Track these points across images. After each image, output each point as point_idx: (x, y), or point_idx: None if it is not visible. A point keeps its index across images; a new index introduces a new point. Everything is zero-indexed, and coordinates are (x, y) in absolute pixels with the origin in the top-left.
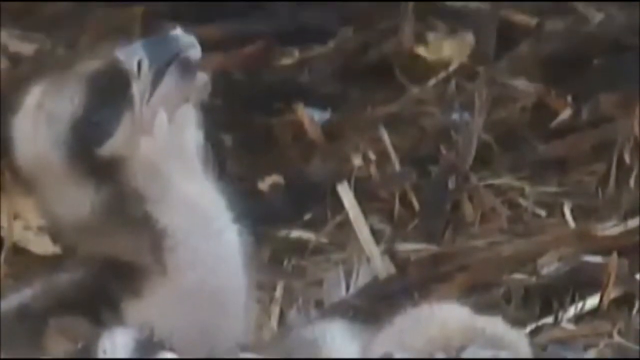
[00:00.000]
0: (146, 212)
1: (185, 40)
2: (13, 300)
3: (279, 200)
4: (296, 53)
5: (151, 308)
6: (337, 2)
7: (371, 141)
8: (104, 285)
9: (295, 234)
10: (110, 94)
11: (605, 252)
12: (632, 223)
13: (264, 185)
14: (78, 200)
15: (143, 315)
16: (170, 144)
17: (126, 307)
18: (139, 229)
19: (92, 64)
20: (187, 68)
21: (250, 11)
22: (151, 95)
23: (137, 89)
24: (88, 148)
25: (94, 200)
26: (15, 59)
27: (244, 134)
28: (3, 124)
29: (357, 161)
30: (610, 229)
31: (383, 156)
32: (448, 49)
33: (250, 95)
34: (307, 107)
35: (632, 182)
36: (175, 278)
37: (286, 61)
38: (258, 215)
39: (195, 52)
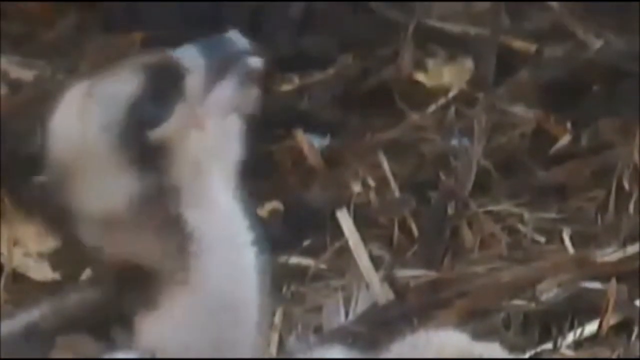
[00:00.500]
0: (179, 212)
1: (241, 42)
2: (21, 319)
3: (278, 226)
4: (296, 79)
5: (167, 320)
6: (336, 28)
7: (370, 167)
8: (116, 300)
9: (295, 260)
10: (165, 84)
11: (605, 279)
12: (632, 249)
13: (263, 211)
14: (117, 192)
15: (157, 328)
16: (217, 146)
17: (140, 321)
18: (169, 229)
19: (147, 58)
20: (247, 77)
21: (250, 37)
22: (207, 91)
23: (191, 84)
24: (141, 131)
25: (133, 192)
26: (16, 86)
27: (244, 160)
28: (3, 147)
29: (356, 187)
30: (609, 255)
31: (382, 182)
32: (447, 75)
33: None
34: (307, 133)
35: (631, 208)
36: (196, 286)
37: (286, 87)
38: (256, 242)
39: (256, 62)
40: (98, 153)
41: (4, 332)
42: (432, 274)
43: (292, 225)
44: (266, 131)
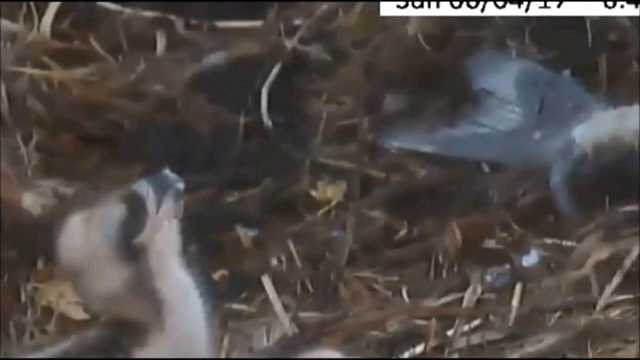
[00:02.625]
0: (154, 285)
1: (172, 177)
2: (58, 349)
3: (225, 286)
4: (236, 194)
5: (154, 353)
6: (260, 160)
7: (283, 249)
8: (119, 339)
9: (235, 306)
10: (137, 208)
11: (428, 318)
12: (446, 299)
13: (216, 275)
14: (114, 278)
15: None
16: (169, 240)
17: (137, 354)
18: (148, 298)
19: (121, 191)
20: (177, 196)
21: (205, 168)
22: (158, 209)
23: (150, 205)
24: (129, 240)
25: (124, 277)
26: (61, 198)
27: (204, 243)
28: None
29: (274, 262)
30: (431, 303)
31: (290, 259)
32: (330, 192)
33: (208, 219)
34: (243, 228)
35: (444, 274)
36: (170, 332)
37: (230, 199)
38: (211, 295)
39: (181, 185)
40: (100, 255)
41: (49, 355)
42: (321, 316)
43: (233, 285)
44: (218, 226)
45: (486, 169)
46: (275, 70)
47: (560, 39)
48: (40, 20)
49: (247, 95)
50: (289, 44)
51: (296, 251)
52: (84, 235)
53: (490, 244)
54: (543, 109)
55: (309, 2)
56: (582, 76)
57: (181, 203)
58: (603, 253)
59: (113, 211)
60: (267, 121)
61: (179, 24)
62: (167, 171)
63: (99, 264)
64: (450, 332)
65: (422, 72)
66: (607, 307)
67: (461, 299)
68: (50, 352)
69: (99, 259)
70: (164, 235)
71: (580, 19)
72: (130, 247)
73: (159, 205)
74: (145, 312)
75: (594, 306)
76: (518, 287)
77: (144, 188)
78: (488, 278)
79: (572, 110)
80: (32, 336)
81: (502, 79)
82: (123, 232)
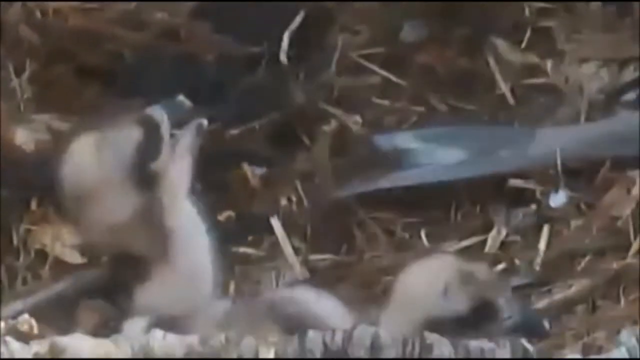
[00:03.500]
0: (162, 217)
1: (187, 103)
2: (54, 289)
3: (231, 228)
4: (237, 131)
5: (156, 289)
6: (269, 93)
7: (292, 189)
8: (120, 277)
9: (242, 249)
10: (153, 132)
11: None
12: (467, 242)
13: (222, 217)
14: (123, 206)
15: (151, 296)
16: (182, 175)
17: (137, 291)
18: (156, 230)
19: (136, 115)
20: (199, 131)
21: (210, 102)
22: (175, 138)
23: (164, 131)
24: (144, 165)
25: (134, 206)
26: (56, 133)
27: (209, 182)
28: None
29: (283, 202)
30: (452, 247)
31: (299, 199)
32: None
33: (213, 156)
34: (250, 165)
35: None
36: (174, 263)
37: (233, 134)
38: (217, 238)
39: (204, 122)
40: (111, 181)
41: (43, 298)
42: (334, 258)
43: (240, 227)
44: (223, 163)
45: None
46: (297, 20)
47: None
48: None
49: (256, 26)
50: None
51: (304, 191)
52: (94, 157)
53: (515, 182)
54: None
55: None
56: None
57: (199, 136)
58: None
59: (128, 134)
60: (284, 59)
61: None
62: (181, 97)
63: (110, 189)
64: None
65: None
66: None
67: (484, 242)
68: (42, 295)
69: (110, 184)
70: (179, 168)
71: None
72: (144, 174)
73: (174, 134)
74: (151, 244)
75: (628, 249)
76: (545, 229)
77: (159, 113)
78: (513, 219)
79: None
80: (24, 281)
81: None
82: (139, 156)
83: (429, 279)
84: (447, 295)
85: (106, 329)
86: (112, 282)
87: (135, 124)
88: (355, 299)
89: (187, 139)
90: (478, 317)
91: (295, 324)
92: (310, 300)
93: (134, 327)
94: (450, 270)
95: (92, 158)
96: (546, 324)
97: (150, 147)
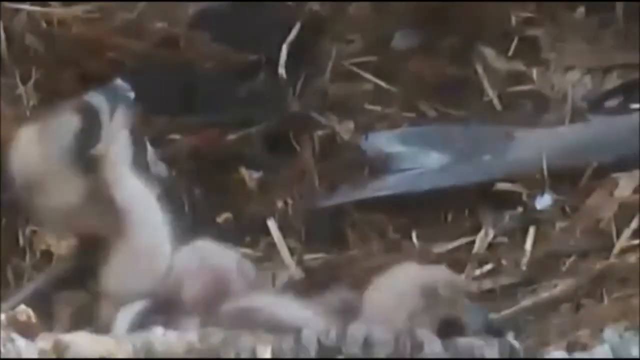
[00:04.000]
0: (111, 194)
1: (124, 86)
2: (31, 287)
3: (229, 229)
4: (234, 136)
5: (119, 267)
6: (266, 100)
7: (287, 192)
8: (85, 261)
9: (240, 250)
10: (91, 119)
11: (439, 262)
12: (459, 242)
13: (220, 219)
14: (73, 190)
15: (115, 276)
16: (122, 151)
17: (102, 274)
18: (107, 208)
19: (74, 102)
20: (129, 106)
21: (209, 108)
22: (112, 119)
23: (103, 116)
24: (86, 150)
25: (84, 188)
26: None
27: (209, 186)
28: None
29: (279, 204)
30: (444, 246)
31: (295, 201)
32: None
33: (211, 161)
34: (247, 169)
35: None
36: (132, 241)
37: (230, 139)
38: (216, 239)
39: (131, 95)
40: (56, 168)
41: (21, 296)
42: (327, 258)
43: (238, 228)
44: (222, 167)
45: None
46: (295, 32)
47: None
48: None
49: (252, 36)
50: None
51: (301, 193)
52: (37, 147)
53: (503, 186)
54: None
55: None
56: None
57: (132, 113)
58: (626, 190)
59: (67, 122)
60: (280, 68)
61: None
62: (118, 81)
63: (56, 176)
64: (462, 276)
65: (432, 9)
66: (624, 251)
67: (472, 243)
68: (24, 292)
69: (55, 172)
70: (117, 145)
71: None
72: (85, 159)
73: (112, 116)
74: (106, 223)
75: (611, 250)
76: (531, 231)
77: (97, 99)
78: (500, 221)
79: None
80: (30, 281)
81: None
82: (79, 143)
83: (395, 301)
84: (413, 320)
85: (83, 318)
86: (79, 269)
87: (75, 112)
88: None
89: (119, 115)
90: (444, 333)
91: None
92: (281, 309)
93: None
94: (414, 289)
95: (34, 147)
96: (511, 337)
97: (90, 133)
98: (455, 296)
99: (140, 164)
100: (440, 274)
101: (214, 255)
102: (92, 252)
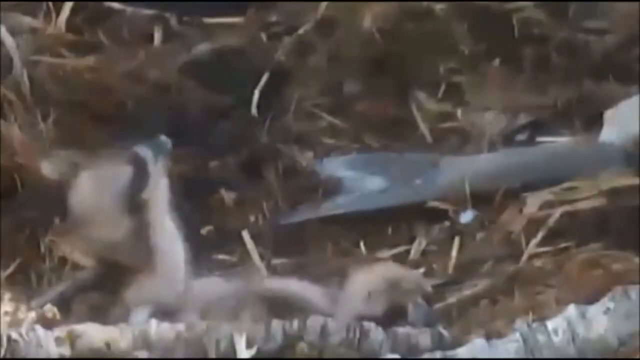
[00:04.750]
0: (149, 235)
1: (167, 141)
2: (55, 291)
3: (211, 239)
4: (215, 163)
5: (139, 290)
6: (240, 135)
7: (258, 209)
8: (108, 280)
9: (220, 256)
10: (140, 168)
11: None
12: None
13: (204, 231)
14: (117, 229)
15: (135, 295)
16: (163, 196)
17: (125, 293)
18: (143, 246)
19: (127, 154)
20: (166, 156)
21: (194, 141)
22: (155, 168)
23: (150, 166)
24: (134, 196)
25: (126, 227)
26: (74, 166)
27: (193, 203)
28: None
29: (252, 219)
30: (386, 253)
31: (264, 216)
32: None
33: (196, 183)
34: (225, 190)
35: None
36: (156, 275)
37: (212, 166)
38: (200, 247)
39: (170, 148)
40: (108, 208)
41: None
42: (288, 261)
43: (218, 238)
44: (205, 189)
45: None
46: (265, 78)
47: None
48: (57, 17)
49: (230, 82)
50: (276, 56)
51: (269, 210)
52: (93, 190)
53: (433, 204)
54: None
55: (284, 2)
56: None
57: (168, 164)
58: (532, 208)
59: (121, 171)
60: (253, 108)
61: (173, 20)
62: (163, 137)
63: (107, 216)
64: None
65: (375, 60)
66: (531, 257)
67: (409, 251)
68: (50, 295)
69: (107, 212)
70: (158, 191)
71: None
72: (134, 202)
73: (155, 165)
74: (138, 257)
75: (520, 257)
76: (456, 240)
77: (144, 151)
78: (431, 233)
79: None
80: (49, 282)
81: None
82: (130, 189)
83: (366, 284)
84: (370, 299)
85: (97, 315)
86: (102, 284)
87: (127, 162)
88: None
89: (161, 165)
90: (389, 319)
91: (283, 309)
92: (295, 287)
93: (137, 315)
94: (382, 277)
95: (90, 191)
96: (440, 327)
97: (139, 180)
98: (413, 289)
99: None
100: (407, 272)
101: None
102: (113, 276)
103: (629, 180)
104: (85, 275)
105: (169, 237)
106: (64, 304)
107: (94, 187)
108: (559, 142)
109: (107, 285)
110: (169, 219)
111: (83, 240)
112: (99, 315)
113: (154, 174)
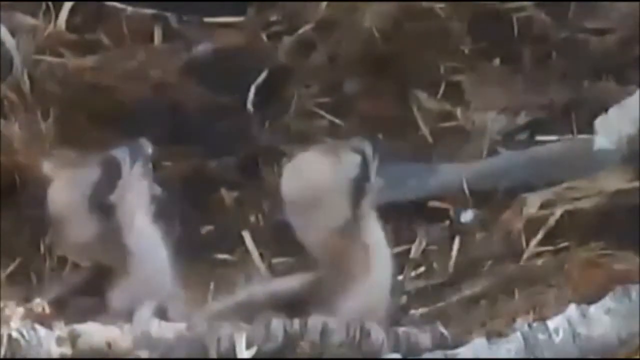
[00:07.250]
0: (122, 238)
1: (147, 144)
2: (53, 293)
3: (211, 239)
4: (215, 163)
5: (121, 294)
6: (240, 134)
7: (259, 209)
8: (96, 281)
9: (220, 255)
10: (112, 171)
11: None
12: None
13: (204, 231)
14: (87, 230)
15: (118, 299)
16: (138, 200)
17: (108, 294)
18: (116, 249)
19: (101, 156)
20: (147, 160)
21: (194, 140)
22: (131, 172)
23: (125, 170)
24: (104, 197)
25: (99, 228)
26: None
27: (194, 203)
28: None
29: (252, 219)
30: None
31: (264, 216)
32: None
33: (196, 183)
34: (226, 190)
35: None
36: (133, 277)
37: (212, 165)
38: (199, 247)
39: (150, 151)
40: (80, 210)
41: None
42: (288, 260)
43: (218, 238)
44: (205, 189)
45: None
46: (263, 75)
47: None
48: (56, 16)
49: (230, 81)
50: (275, 54)
51: (269, 210)
52: (65, 191)
53: (434, 203)
54: None
55: (284, 2)
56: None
57: (150, 166)
58: (532, 208)
59: (90, 173)
60: (250, 107)
61: (173, 19)
62: (143, 140)
63: (76, 217)
64: (400, 277)
65: (375, 60)
66: (531, 257)
67: (409, 250)
68: (47, 296)
69: (76, 214)
70: (134, 195)
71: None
72: (102, 205)
73: (132, 168)
74: (114, 260)
75: (521, 256)
76: (457, 240)
77: (122, 154)
78: (432, 232)
79: None
80: (49, 281)
81: None
82: (96, 192)
83: None
84: None
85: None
86: (93, 284)
87: (98, 164)
88: None
89: (137, 168)
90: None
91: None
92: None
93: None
94: None
95: (63, 190)
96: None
97: (107, 183)
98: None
99: None
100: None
101: None
102: (102, 276)
103: (629, 180)
104: (76, 277)
105: (146, 240)
106: (60, 305)
107: (65, 187)
108: (558, 141)
109: (94, 287)
110: (148, 222)
111: (61, 240)
112: (90, 317)
113: (127, 178)
